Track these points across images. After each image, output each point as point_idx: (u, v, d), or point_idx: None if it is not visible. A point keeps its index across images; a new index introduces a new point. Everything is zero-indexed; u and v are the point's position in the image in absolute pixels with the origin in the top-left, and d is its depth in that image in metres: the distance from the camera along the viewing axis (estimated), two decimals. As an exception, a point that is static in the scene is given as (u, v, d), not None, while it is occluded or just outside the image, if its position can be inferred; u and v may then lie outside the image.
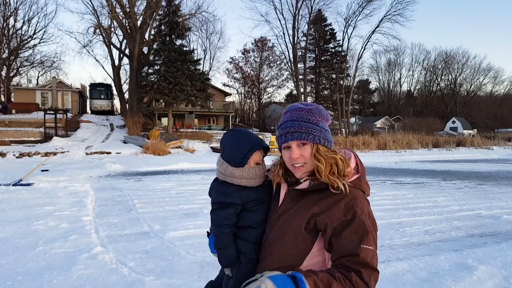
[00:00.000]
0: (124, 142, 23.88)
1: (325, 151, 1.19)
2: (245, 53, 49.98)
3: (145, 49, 31.15)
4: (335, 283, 1.02)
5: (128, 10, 29.20)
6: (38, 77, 48.97)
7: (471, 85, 70.23)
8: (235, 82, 53.64)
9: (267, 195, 1.34)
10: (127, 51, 31.80)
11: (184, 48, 29.26)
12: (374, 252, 1.10)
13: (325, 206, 1.14)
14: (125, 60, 34.08)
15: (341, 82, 41.54)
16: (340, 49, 42.47)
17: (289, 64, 40.61)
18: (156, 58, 29.10)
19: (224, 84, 53.00)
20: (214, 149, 23.76)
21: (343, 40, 40.30)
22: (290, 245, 1.14)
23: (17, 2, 38.68)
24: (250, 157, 1.30)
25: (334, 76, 43.23)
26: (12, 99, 35.26)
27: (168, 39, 28.55)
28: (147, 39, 30.50)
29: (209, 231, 1.40)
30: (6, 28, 37.45)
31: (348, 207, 1.12)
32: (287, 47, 38.83)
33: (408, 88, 73.95)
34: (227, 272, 1.30)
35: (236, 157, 1.30)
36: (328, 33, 44.48)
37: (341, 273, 1.06)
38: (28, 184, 9.19)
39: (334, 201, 1.14)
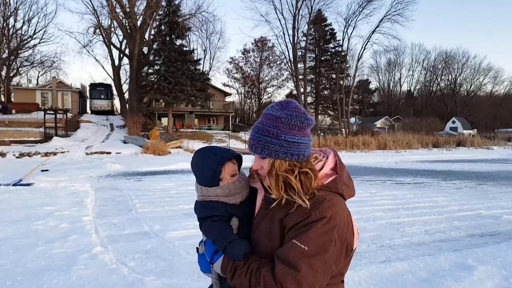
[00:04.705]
0: (124, 142, 23.88)
1: (280, 167, 1.10)
2: (245, 53, 50.01)
3: (145, 49, 31.17)
4: (239, 272, 1.08)
5: (128, 10, 29.21)
6: (38, 77, 49.08)
7: (471, 85, 70.38)
8: (235, 82, 53.69)
9: (252, 209, 1.26)
10: (127, 51, 31.82)
11: (184, 48, 29.29)
12: (304, 252, 1.01)
13: (290, 208, 1.10)
14: (125, 60, 34.15)
15: (341, 82, 41.52)
16: (340, 49, 42.45)
17: (289, 64, 40.66)
18: (156, 58, 29.12)
19: (224, 84, 53.05)
20: (214, 149, 23.74)
21: (343, 40, 40.39)
22: (267, 253, 1.11)
23: (17, 2, 38.68)
24: (222, 171, 1.23)
25: (334, 76, 43.18)
26: (12, 99, 35.25)
27: (168, 39, 28.56)
28: (147, 39, 30.51)
29: (198, 247, 1.31)
30: (6, 28, 37.46)
31: (307, 209, 1.06)
32: (287, 47, 38.92)
33: (408, 88, 74.12)
34: (215, 286, 1.25)
35: (208, 174, 1.23)
36: (328, 33, 44.39)
37: (262, 265, 1.07)
38: (28, 184, 9.19)
39: (297, 204, 1.10)
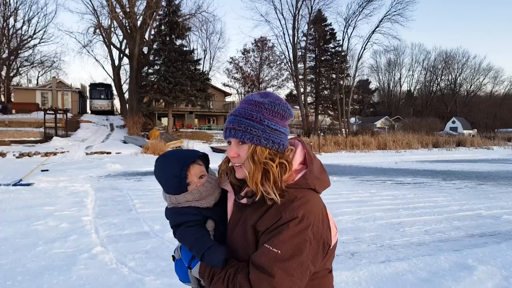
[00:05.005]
0: (124, 142, 23.88)
1: (261, 154, 1.03)
2: (245, 53, 49.98)
3: (145, 49, 31.16)
4: (216, 278, 1.03)
5: (128, 10, 29.21)
6: (38, 77, 49.10)
7: (471, 85, 70.46)
8: (235, 82, 53.65)
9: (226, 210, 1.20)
10: (127, 51, 31.81)
11: (184, 48, 29.28)
12: (277, 256, 0.96)
13: (262, 213, 1.05)
14: (125, 60, 34.14)
15: (341, 82, 41.49)
16: (340, 49, 42.40)
17: (289, 64, 40.64)
18: (156, 58, 29.11)
19: (224, 84, 53.04)
20: (214, 149, 23.76)
21: (343, 40, 40.36)
22: (244, 258, 1.07)
23: (17, 2, 38.69)
24: (187, 175, 1.14)
25: (334, 76, 43.13)
26: (12, 99, 35.26)
27: (168, 39, 28.55)
28: (147, 39, 30.51)
29: (174, 255, 1.23)
30: (6, 28, 37.47)
31: (278, 211, 1.00)
32: (287, 47, 38.90)
33: (408, 88, 74.22)
34: None
35: (173, 182, 1.14)
36: (328, 33, 44.34)
37: (239, 270, 1.02)
38: (28, 184, 9.19)
39: (268, 207, 1.04)
